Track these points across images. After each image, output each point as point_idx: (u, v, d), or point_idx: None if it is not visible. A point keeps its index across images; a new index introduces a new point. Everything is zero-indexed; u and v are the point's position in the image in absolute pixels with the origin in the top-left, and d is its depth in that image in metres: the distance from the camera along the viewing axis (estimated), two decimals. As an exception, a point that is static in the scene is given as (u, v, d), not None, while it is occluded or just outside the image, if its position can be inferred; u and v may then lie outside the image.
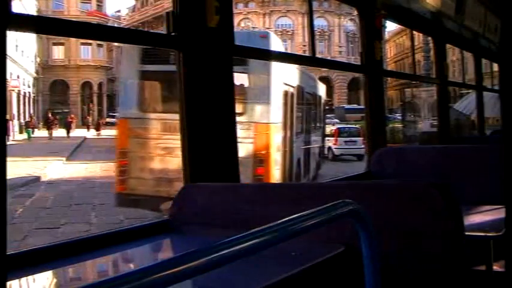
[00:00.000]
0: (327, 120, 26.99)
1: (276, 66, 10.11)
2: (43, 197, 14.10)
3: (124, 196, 10.07)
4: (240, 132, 9.75)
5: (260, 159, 9.88)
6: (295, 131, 12.69)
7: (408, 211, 1.79)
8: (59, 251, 1.82)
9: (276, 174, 10.34)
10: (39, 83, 51.99)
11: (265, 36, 10.60)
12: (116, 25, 52.95)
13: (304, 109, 14.28)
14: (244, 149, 9.59)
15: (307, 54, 4.57)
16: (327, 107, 21.71)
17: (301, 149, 13.60)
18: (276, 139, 10.46)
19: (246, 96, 9.92)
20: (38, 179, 17.09)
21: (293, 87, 12.22)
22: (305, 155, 14.16)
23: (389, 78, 27.75)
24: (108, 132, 41.64)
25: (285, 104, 11.29)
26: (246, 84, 9.89)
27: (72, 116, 44.55)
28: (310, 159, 15.05)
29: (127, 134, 10.01)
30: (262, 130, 9.96)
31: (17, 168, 16.03)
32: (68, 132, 38.91)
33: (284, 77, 11.14)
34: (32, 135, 35.86)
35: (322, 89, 18.63)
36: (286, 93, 11.35)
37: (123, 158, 10.00)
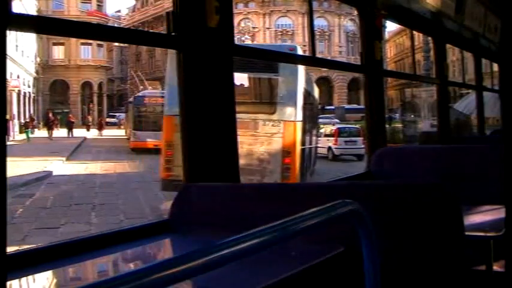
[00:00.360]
0: (327, 120, 28.37)
1: (301, 72, 11.77)
2: (43, 197, 14.13)
3: (168, 182, 11.48)
4: (271, 129, 11.47)
5: (288, 151, 11.55)
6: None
7: (408, 211, 1.79)
8: (59, 251, 1.81)
9: (298, 164, 12.04)
10: (39, 83, 51.99)
11: (293, 50, 12.35)
12: (116, 25, 52.94)
13: (308, 109, 15.35)
14: (275, 143, 11.49)
15: (307, 54, 4.57)
16: (319, 108, 23.95)
17: (307, 145, 15.27)
18: (299, 135, 12.10)
19: (276, 98, 11.71)
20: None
21: (305, 90, 13.43)
22: (309, 150, 15.92)
23: (389, 78, 27.76)
24: (108, 132, 41.71)
25: (303, 105, 12.68)
26: (277, 88, 11.73)
27: (71, 116, 44.56)
28: (312, 154, 17.08)
29: (173, 129, 11.21)
30: (290, 127, 11.56)
31: (17, 168, 16.05)
32: (70, 132, 38.89)
33: (303, 81, 12.56)
34: (32, 136, 35.82)
35: (316, 90, 20.23)
36: (303, 96, 12.69)
37: (169, 149, 11.46)
